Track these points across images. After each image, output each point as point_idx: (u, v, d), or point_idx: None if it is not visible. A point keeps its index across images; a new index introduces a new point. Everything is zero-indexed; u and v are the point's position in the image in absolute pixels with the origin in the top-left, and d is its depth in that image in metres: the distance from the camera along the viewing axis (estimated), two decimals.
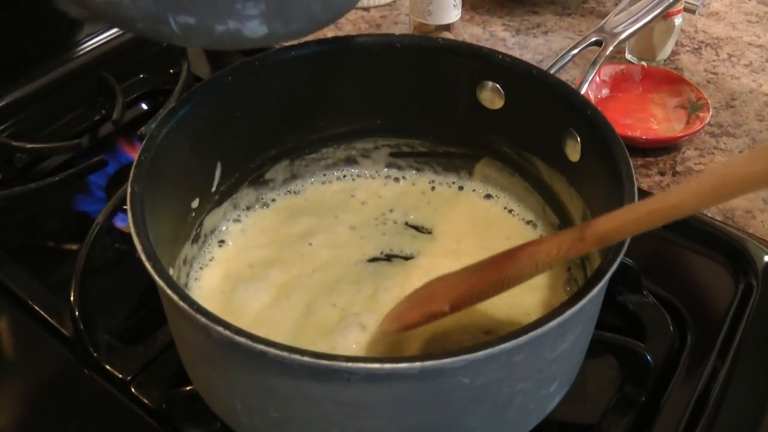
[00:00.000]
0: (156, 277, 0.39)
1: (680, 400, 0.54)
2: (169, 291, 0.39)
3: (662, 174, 0.74)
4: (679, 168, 0.75)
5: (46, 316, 0.60)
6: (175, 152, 0.50)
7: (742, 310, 0.60)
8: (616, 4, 1.00)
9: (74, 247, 0.68)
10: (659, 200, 0.38)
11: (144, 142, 0.48)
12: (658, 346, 0.57)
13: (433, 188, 0.64)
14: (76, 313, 0.57)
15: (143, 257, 0.41)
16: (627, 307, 0.60)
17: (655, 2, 0.60)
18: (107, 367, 0.56)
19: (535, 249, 0.43)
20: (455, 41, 0.58)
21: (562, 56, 0.57)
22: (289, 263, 0.56)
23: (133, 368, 0.56)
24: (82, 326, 0.57)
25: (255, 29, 0.44)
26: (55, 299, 0.61)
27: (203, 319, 0.37)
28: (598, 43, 0.60)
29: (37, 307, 0.60)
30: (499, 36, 0.94)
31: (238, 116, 0.56)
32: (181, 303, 0.38)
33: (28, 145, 0.76)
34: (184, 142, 0.51)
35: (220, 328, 0.37)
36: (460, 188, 0.63)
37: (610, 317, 0.59)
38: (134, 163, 0.46)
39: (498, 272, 0.44)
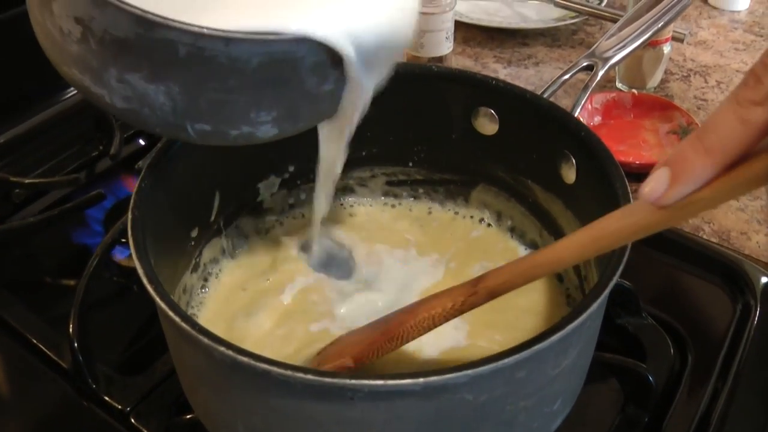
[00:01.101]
0: (158, 300, 0.39)
1: (683, 421, 0.54)
2: (171, 313, 0.39)
3: None
4: None
5: (45, 349, 0.59)
6: (174, 180, 0.51)
7: (741, 331, 0.60)
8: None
9: (72, 281, 0.68)
10: (543, 254, 0.41)
11: (144, 169, 0.48)
12: (659, 366, 0.57)
13: (429, 214, 0.64)
14: (75, 344, 0.56)
15: (145, 280, 0.41)
16: (626, 329, 0.60)
17: (643, 27, 0.61)
18: (106, 398, 0.55)
19: (431, 304, 0.45)
20: (449, 68, 0.59)
21: (554, 81, 0.58)
22: (288, 289, 0.56)
23: (133, 399, 0.55)
24: (81, 358, 0.56)
25: (266, 132, 0.46)
26: (54, 332, 0.60)
27: (206, 340, 0.37)
28: (589, 68, 0.61)
29: (35, 341, 0.60)
30: (490, 67, 0.96)
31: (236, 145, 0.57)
32: (184, 325, 0.38)
33: (26, 180, 0.76)
34: (183, 170, 0.52)
35: (222, 348, 0.37)
36: (456, 213, 0.64)
37: (610, 339, 0.59)
38: (135, 190, 0.47)
39: (397, 328, 0.45)
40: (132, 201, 0.46)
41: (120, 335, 0.63)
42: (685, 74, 0.95)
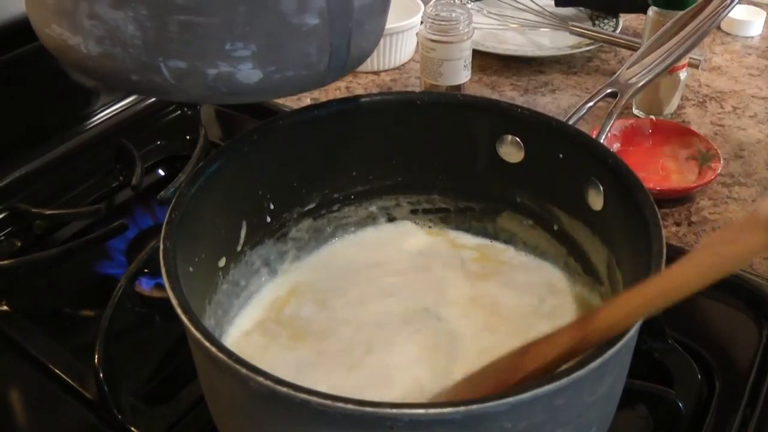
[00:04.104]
0: (193, 330, 0.39)
1: None
2: (207, 343, 0.38)
3: (678, 225, 0.75)
4: (694, 218, 0.76)
5: (69, 380, 0.59)
6: (203, 211, 0.51)
7: None
8: (620, 62, 1.02)
9: (93, 312, 0.69)
10: (665, 281, 0.39)
11: (174, 200, 0.48)
12: (687, 393, 0.57)
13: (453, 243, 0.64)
14: (101, 375, 0.56)
15: (179, 311, 0.41)
16: (652, 355, 0.60)
17: (665, 55, 0.62)
18: (132, 429, 0.55)
19: (539, 348, 0.42)
20: (474, 97, 0.60)
21: (579, 108, 0.58)
22: (319, 320, 0.56)
23: (159, 429, 0.55)
24: (106, 389, 0.56)
25: (249, 74, 0.45)
26: (78, 363, 0.60)
27: (243, 370, 0.37)
28: (612, 95, 0.61)
29: (59, 372, 0.60)
30: (507, 96, 0.96)
31: (262, 176, 0.57)
32: (220, 355, 0.38)
33: (48, 212, 0.76)
34: (211, 200, 0.52)
35: (260, 379, 0.37)
36: (481, 242, 0.64)
37: (636, 366, 0.58)
38: (165, 221, 0.47)
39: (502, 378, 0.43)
40: (163, 232, 0.46)
41: (144, 365, 0.63)
42: (701, 100, 0.95)
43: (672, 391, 0.56)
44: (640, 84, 0.61)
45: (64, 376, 0.59)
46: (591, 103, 0.60)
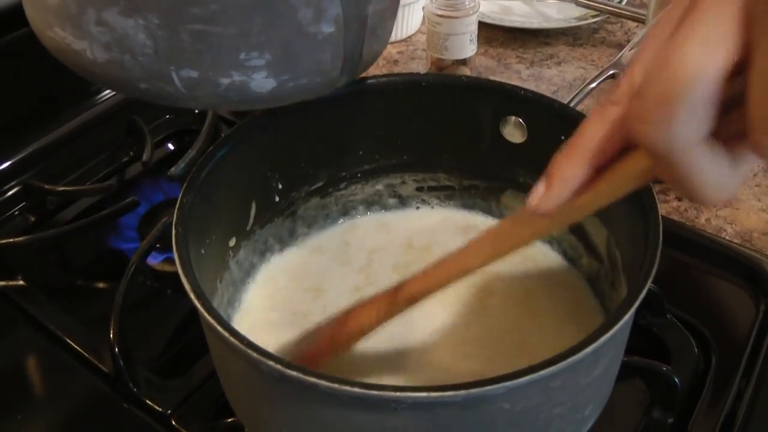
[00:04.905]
0: (206, 315, 0.41)
1: (708, 422, 0.55)
2: (220, 328, 0.40)
3: (680, 199, 0.76)
4: None
5: (84, 353, 0.61)
6: (213, 194, 0.52)
7: (764, 331, 0.61)
8: (626, 33, 1.02)
9: (106, 285, 0.70)
10: (452, 261, 0.44)
11: (185, 184, 0.50)
12: (683, 368, 0.58)
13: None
14: (116, 349, 0.58)
15: (192, 296, 0.42)
16: (651, 330, 0.61)
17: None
18: (147, 401, 0.57)
19: (357, 314, 0.47)
20: (479, 79, 0.60)
21: (581, 90, 0.59)
22: (327, 296, 0.58)
23: (173, 402, 0.57)
24: (122, 363, 0.58)
25: (262, 83, 0.44)
26: (92, 336, 0.62)
27: (255, 354, 0.39)
28: (614, 77, 0.62)
29: (74, 345, 0.62)
30: (513, 68, 0.97)
31: (271, 157, 0.58)
32: (232, 339, 0.40)
33: (60, 188, 0.78)
34: (221, 183, 0.53)
35: (271, 363, 0.38)
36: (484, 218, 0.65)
37: (634, 341, 0.60)
38: (177, 206, 0.48)
39: (329, 340, 0.48)
40: (175, 217, 0.47)
41: (157, 339, 0.65)
42: None
43: (668, 368, 0.57)
44: None
45: (79, 350, 0.61)
46: (593, 85, 0.61)
